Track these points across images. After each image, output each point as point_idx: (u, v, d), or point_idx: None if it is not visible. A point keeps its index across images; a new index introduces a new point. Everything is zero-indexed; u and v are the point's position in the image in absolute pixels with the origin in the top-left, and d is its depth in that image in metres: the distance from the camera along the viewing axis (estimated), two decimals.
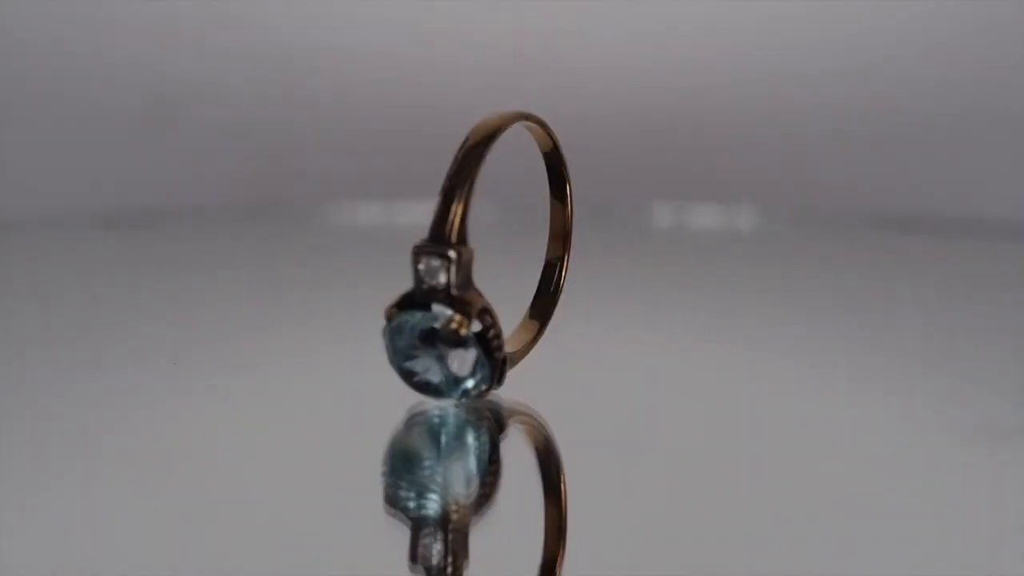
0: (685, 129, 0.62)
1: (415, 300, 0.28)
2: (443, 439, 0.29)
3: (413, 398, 0.29)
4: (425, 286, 0.28)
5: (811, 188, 0.62)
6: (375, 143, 0.62)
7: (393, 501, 0.27)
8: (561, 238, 0.32)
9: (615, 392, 0.33)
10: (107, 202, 0.60)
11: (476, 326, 0.28)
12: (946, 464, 0.30)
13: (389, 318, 0.28)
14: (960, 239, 0.55)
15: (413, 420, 0.30)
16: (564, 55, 0.63)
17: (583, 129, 0.59)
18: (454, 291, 0.28)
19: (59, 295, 0.44)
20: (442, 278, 0.28)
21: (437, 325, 0.28)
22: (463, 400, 0.29)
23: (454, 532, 0.25)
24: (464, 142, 0.29)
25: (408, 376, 0.29)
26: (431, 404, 0.30)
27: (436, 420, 0.30)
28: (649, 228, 0.57)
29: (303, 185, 0.62)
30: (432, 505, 0.26)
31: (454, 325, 0.28)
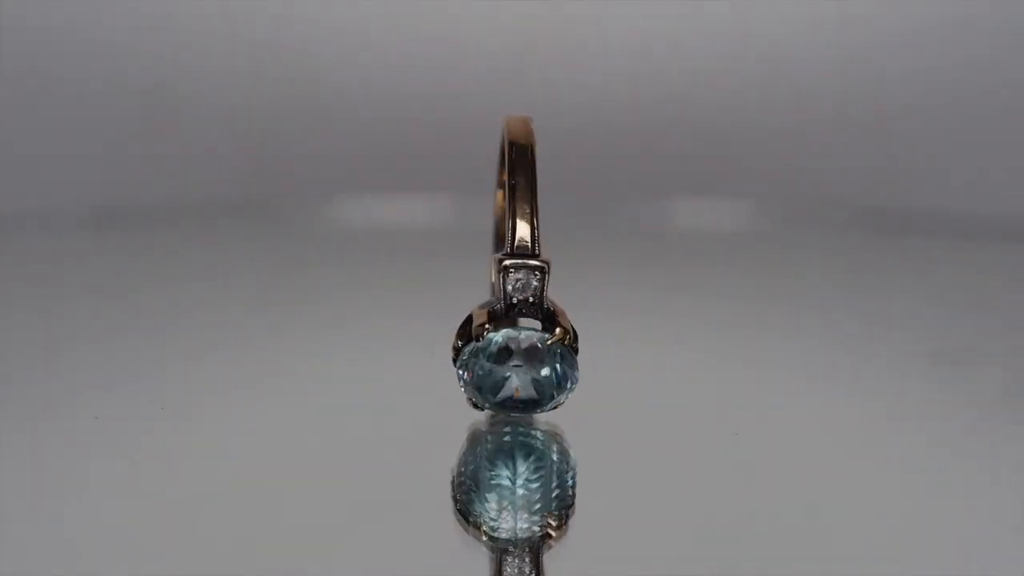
0: (686, 129, 0.62)
1: (505, 316, 0.28)
2: (532, 457, 0.28)
3: (415, 399, 0.29)
4: (515, 300, 0.28)
5: (813, 187, 0.62)
6: (374, 142, 0.62)
7: (478, 521, 0.26)
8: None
9: (618, 392, 0.33)
10: (101, 200, 0.60)
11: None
12: (951, 459, 0.30)
13: (479, 337, 0.28)
14: (963, 239, 0.55)
15: (493, 438, 0.29)
16: (563, 52, 0.63)
17: (584, 129, 0.59)
18: (547, 304, 0.28)
19: (52, 294, 0.44)
20: (532, 291, 0.28)
21: (538, 339, 0.28)
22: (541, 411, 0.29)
23: (540, 552, 0.25)
24: (518, 152, 0.28)
25: (494, 394, 0.28)
26: (491, 421, 0.29)
27: (522, 438, 0.29)
28: (650, 227, 0.57)
29: (301, 183, 0.62)
30: (527, 525, 0.26)
31: (563, 338, 0.28)
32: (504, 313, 0.28)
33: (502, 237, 0.31)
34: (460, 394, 0.28)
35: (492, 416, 0.29)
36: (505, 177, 0.28)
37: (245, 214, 0.58)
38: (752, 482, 0.28)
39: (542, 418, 0.29)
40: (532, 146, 0.28)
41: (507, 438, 0.29)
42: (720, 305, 0.43)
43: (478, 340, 0.28)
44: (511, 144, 0.28)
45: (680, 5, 0.63)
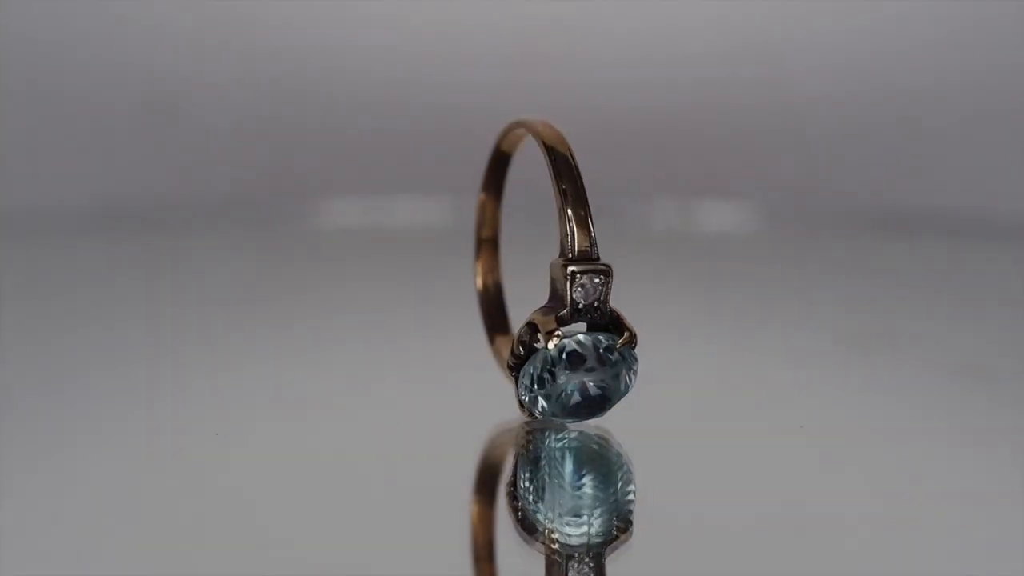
0: (688, 128, 0.62)
1: (572, 321, 0.28)
2: (596, 462, 0.28)
3: (414, 401, 0.29)
4: (582, 305, 0.28)
5: (815, 187, 0.62)
6: (373, 142, 0.62)
7: (546, 529, 0.26)
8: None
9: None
10: (103, 201, 0.60)
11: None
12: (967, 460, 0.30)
13: (548, 343, 0.27)
14: (967, 239, 0.55)
15: (548, 445, 0.29)
16: (564, 52, 0.63)
17: (584, 130, 0.58)
18: (609, 307, 0.28)
19: (53, 295, 0.44)
20: (597, 296, 0.28)
21: (609, 344, 0.28)
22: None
23: (603, 558, 0.24)
24: (559, 158, 0.28)
25: (566, 401, 0.28)
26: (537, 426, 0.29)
27: (578, 443, 0.29)
28: (651, 226, 0.57)
29: (301, 184, 0.62)
30: (595, 531, 0.26)
31: (630, 341, 0.28)
32: (571, 319, 0.28)
33: (483, 242, 0.32)
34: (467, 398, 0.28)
35: (528, 423, 0.29)
36: (554, 184, 0.28)
37: (246, 215, 0.59)
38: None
39: (590, 423, 0.29)
40: (571, 150, 0.28)
41: (561, 444, 0.29)
42: (721, 306, 0.43)
43: (547, 347, 0.27)
44: (551, 150, 0.28)
45: (683, 7, 0.63)
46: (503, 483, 0.28)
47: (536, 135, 0.28)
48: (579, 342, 0.28)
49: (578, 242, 0.27)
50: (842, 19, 0.63)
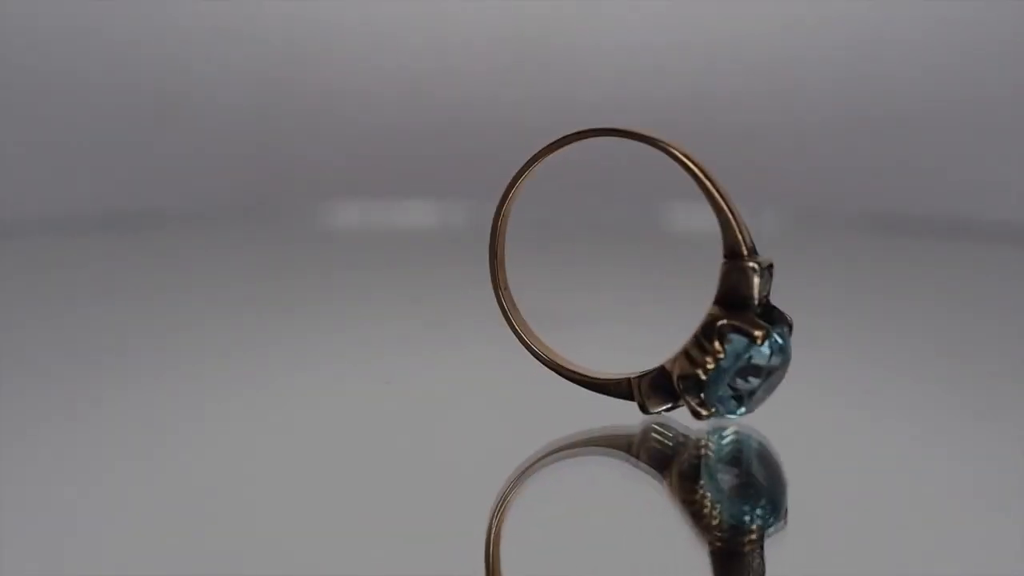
0: (690, 129, 0.62)
1: (765, 316, 0.28)
2: (763, 455, 0.29)
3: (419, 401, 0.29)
4: (758, 300, 0.28)
5: (817, 189, 0.62)
6: (373, 143, 0.62)
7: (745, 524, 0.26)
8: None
9: None
10: (103, 204, 0.60)
11: None
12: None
13: (763, 339, 0.28)
14: (970, 241, 0.55)
15: (717, 446, 0.29)
16: (565, 55, 0.63)
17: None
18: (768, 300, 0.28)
19: (54, 295, 0.44)
20: (768, 289, 0.28)
21: (784, 334, 0.28)
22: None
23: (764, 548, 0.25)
24: (700, 168, 0.28)
25: (756, 394, 0.28)
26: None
27: (745, 439, 0.29)
28: (656, 229, 0.57)
29: (301, 185, 0.62)
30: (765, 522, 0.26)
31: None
32: (760, 314, 0.28)
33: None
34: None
35: (661, 427, 0.29)
36: (712, 190, 0.28)
37: (247, 217, 0.59)
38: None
39: (743, 421, 0.29)
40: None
41: (730, 442, 0.29)
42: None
43: (761, 346, 0.28)
44: (692, 162, 0.28)
45: (685, 7, 0.63)
46: (658, 485, 0.28)
47: (676, 155, 0.29)
48: (777, 342, 0.28)
49: (748, 238, 0.28)
50: (847, 22, 0.63)
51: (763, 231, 0.55)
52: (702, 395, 0.28)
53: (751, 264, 0.28)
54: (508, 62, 0.62)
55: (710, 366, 0.28)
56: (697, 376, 0.28)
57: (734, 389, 0.28)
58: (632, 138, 0.29)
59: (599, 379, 0.30)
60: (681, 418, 0.29)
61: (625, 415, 0.29)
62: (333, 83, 0.63)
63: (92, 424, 0.31)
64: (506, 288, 0.30)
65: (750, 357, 0.28)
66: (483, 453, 0.29)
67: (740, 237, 0.28)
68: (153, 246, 0.54)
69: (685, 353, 0.28)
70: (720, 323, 0.28)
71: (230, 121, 0.62)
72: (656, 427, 0.29)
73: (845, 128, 0.63)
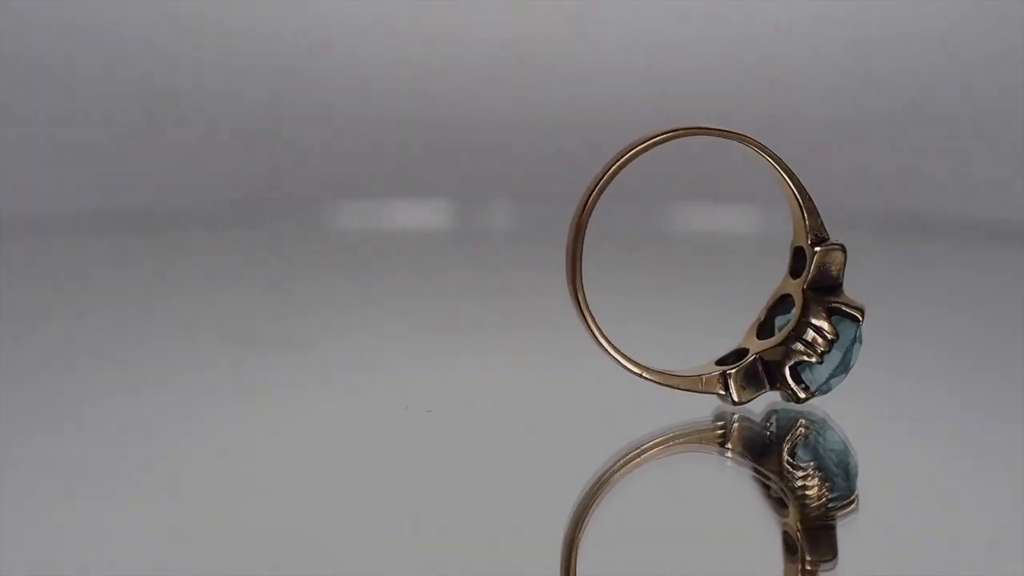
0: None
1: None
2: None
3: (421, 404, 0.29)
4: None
5: (817, 189, 0.62)
6: (373, 143, 0.62)
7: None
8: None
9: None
10: (108, 204, 0.60)
11: None
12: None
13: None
14: (972, 242, 0.55)
15: (805, 431, 0.30)
16: (566, 56, 0.63)
17: (583, 132, 0.58)
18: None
19: (55, 296, 0.44)
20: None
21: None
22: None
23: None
24: (774, 154, 0.30)
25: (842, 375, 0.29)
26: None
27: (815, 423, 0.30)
28: (660, 230, 0.57)
29: (301, 185, 0.62)
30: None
31: None
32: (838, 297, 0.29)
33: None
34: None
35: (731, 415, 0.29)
36: (793, 184, 0.30)
37: (247, 217, 0.58)
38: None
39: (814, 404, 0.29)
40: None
41: (816, 424, 0.30)
42: (726, 306, 0.43)
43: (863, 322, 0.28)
44: (773, 155, 0.31)
45: (685, 6, 0.63)
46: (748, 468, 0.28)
47: (763, 155, 0.31)
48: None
49: (821, 222, 0.29)
50: (849, 22, 0.63)
51: (759, 230, 0.56)
52: (803, 378, 0.29)
53: (840, 244, 0.29)
54: (513, 62, 0.62)
55: (822, 348, 0.29)
56: (807, 359, 0.29)
57: (845, 368, 0.29)
58: (723, 136, 0.31)
59: (687, 376, 0.29)
60: (753, 406, 0.29)
61: (691, 409, 0.29)
62: (336, 83, 0.63)
63: (92, 424, 0.31)
64: (582, 289, 0.30)
65: (857, 337, 0.29)
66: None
67: (815, 221, 0.29)
68: (153, 245, 0.53)
69: (792, 337, 0.29)
70: (831, 304, 0.29)
71: (230, 121, 0.62)
72: (743, 417, 0.30)
73: (845, 128, 0.63)
